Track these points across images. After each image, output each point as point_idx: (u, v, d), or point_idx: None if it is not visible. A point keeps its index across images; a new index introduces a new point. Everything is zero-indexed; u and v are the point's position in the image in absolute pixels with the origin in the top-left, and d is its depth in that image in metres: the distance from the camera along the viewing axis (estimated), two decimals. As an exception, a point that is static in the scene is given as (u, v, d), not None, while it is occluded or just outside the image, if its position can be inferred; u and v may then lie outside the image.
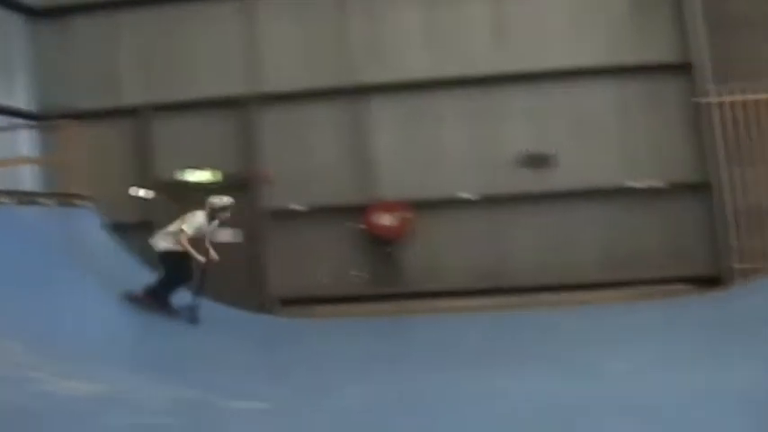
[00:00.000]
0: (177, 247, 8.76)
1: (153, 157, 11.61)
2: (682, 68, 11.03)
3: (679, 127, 11.06)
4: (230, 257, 11.15)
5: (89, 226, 9.84)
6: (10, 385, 5.41)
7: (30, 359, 6.01)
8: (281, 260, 11.19)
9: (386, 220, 11.01)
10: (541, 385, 5.90)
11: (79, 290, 7.96)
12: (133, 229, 10.73)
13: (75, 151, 9.83)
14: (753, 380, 5.55)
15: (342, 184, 11.18)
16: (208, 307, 9.09)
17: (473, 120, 11.19)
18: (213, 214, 8.96)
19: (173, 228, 8.93)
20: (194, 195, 11.13)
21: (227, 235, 11.28)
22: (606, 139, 11.09)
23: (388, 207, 11.07)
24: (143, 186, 11.53)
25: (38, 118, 11.69)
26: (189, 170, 11.38)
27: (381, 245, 11.14)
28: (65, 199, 9.82)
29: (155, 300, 8.78)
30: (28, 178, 11.13)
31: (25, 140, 11.33)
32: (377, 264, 11.24)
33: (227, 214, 9.03)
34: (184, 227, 8.77)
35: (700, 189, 10.88)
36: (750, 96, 10.83)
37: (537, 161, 11.08)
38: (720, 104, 10.90)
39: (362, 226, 11.17)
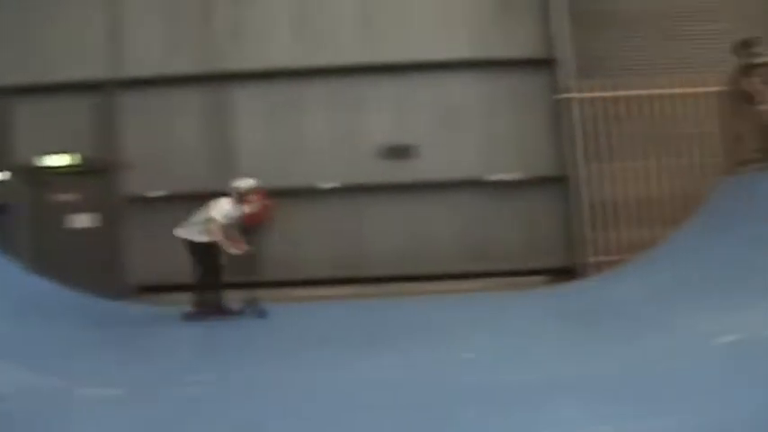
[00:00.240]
0: (205, 238, 8.47)
1: (12, 141, 11.29)
2: (545, 64, 11.21)
3: (541, 121, 11.25)
4: (87, 244, 11.10)
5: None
6: None
7: None
8: (140, 247, 10.97)
9: (245, 207, 10.84)
10: (377, 372, 5.91)
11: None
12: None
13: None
14: (585, 370, 5.56)
15: (202, 170, 10.98)
16: (63, 294, 8.85)
17: (337, 109, 11.17)
18: (240, 198, 8.68)
19: (199, 217, 8.63)
20: (51, 179, 11.11)
21: (83, 220, 11.11)
22: (469, 132, 11.20)
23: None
24: (1, 169, 11.21)
25: None
26: (47, 154, 11.10)
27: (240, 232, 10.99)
28: None
29: (209, 309, 8.62)
30: None
31: None
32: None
33: (254, 197, 8.73)
34: (213, 214, 8.46)
35: (558, 183, 11.05)
36: (610, 93, 11.08)
37: (398, 152, 11.11)
38: (581, 100, 11.11)
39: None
